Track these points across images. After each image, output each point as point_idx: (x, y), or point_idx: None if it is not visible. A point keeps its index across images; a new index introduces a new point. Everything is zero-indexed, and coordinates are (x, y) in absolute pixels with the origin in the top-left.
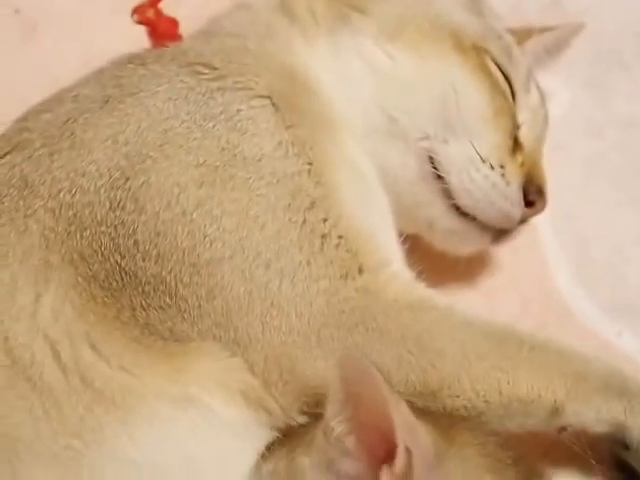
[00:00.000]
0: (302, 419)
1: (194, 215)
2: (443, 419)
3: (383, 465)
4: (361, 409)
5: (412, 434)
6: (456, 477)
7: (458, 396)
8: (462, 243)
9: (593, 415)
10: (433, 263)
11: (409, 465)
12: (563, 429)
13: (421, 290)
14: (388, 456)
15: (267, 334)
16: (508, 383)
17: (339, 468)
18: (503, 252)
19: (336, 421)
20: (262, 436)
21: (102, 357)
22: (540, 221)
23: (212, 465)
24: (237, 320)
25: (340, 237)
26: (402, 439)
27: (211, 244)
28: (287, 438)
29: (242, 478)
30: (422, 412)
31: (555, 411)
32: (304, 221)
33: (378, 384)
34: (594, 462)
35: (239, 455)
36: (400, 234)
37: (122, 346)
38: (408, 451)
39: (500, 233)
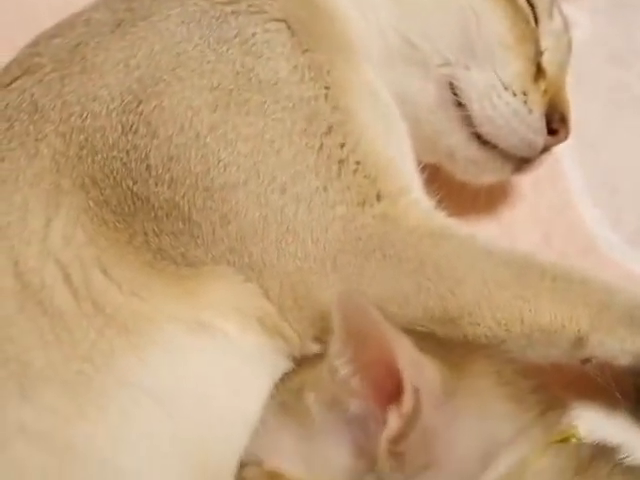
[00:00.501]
0: (317, 347)
1: (208, 139)
2: (457, 348)
3: (390, 405)
4: (364, 349)
5: (418, 371)
6: (468, 410)
7: (479, 324)
8: (483, 172)
9: (617, 346)
10: (452, 194)
11: (416, 403)
12: (587, 360)
13: (441, 218)
14: (395, 394)
15: (282, 260)
16: (530, 312)
17: (346, 407)
18: (524, 183)
19: (340, 362)
20: (278, 365)
21: (114, 282)
22: (563, 151)
23: (226, 393)
24: (252, 245)
25: (358, 163)
26: (408, 377)
27: (225, 168)
28: (299, 371)
29: (257, 408)
30: (431, 342)
31: (579, 341)
32: (321, 146)
33: (379, 322)
34: (618, 395)
35: (254, 384)
36: (419, 163)
37: (134, 271)
38: (415, 389)
39: (522, 162)
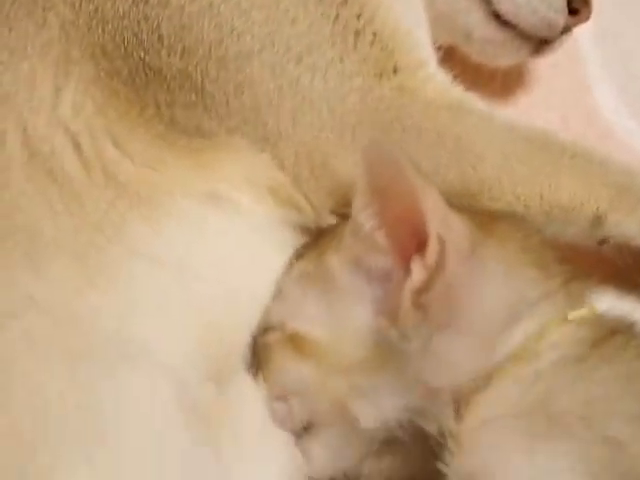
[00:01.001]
0: (332, 219)
1: (221, 8)
2: (483, 214)
3: (414, 255)
4: (389, 200)
5: (445, 222)
6: (494, 268)
7: (498, 199)
8: (500, 54)
9: (635, 227)
10: (468, 76)
11: (442, 254)
12: (604, 241)
13: (459, 92)
14: (420, 249)
15: (298, 130)
16: (549, 188)
17: (369, 265)
18: (542, 66)
19: (364, 215)
20: (292, 238)
21: (125, 153)
22: (582, 35)
23: (239, 265)
24: (266, 116)
25: (374, 34)
26: (434, 227)
27: (239, 37)
28: (317, 241)
29: (269, 281)
30: (458, 207)
31: (597, 220)
32: (337, 16)
33: (406, 171)
34: (637, 277)
35: (268, 256)
36: (434, 44)
37: (145, 143)
38: (440, 239)
39: (540, 44)
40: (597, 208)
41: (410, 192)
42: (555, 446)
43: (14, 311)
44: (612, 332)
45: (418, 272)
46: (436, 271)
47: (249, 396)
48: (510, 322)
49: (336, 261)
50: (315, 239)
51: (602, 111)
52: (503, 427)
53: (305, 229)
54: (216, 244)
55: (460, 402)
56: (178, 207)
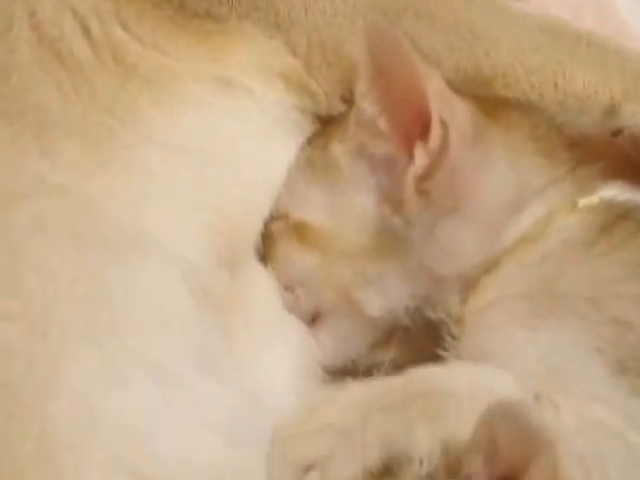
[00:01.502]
0: (343, 107)
1: None
2: (491, 101)
3: (417, 141)
4: (392, 84)
5: (448, 107)
6: (499, 155)
7: (512, 86)
8: None
9: None
10: None
11: (445, 139)
12: (618, 132)
13: None
14: (423, 135)
15: (310, 16)
16: (564, 76)
17: (372, 152)
18: None
19: (367, 101)
20: (305, 125)
21: (134, 36)
22: None
23: (251, 152)
24: (278, 3)
25: None
26: (437, 111)
27: None
28: (325, 129)
29: (281, 170)
30: (466, 94)
31: (611, 109)
32: None
33: (409, 55)
34: None
35: (280, 144)
36: None
37: (155, 26)
38: (443, 124)
39: None
40: (611, 97)
41: (413, 76)
42: (560, 325)
43: (25, 194)
44: (622, 218)
45: (421, 157)
46: (439, 156)
47: (261, 283)
48: (515, 208)
49: (340, 149)
50: (324, 127)
51: (617, 11)
52: (506, 307)
53: (317, 117)
54: (228, 131)
55: (467, 288)
56: (190, 93)
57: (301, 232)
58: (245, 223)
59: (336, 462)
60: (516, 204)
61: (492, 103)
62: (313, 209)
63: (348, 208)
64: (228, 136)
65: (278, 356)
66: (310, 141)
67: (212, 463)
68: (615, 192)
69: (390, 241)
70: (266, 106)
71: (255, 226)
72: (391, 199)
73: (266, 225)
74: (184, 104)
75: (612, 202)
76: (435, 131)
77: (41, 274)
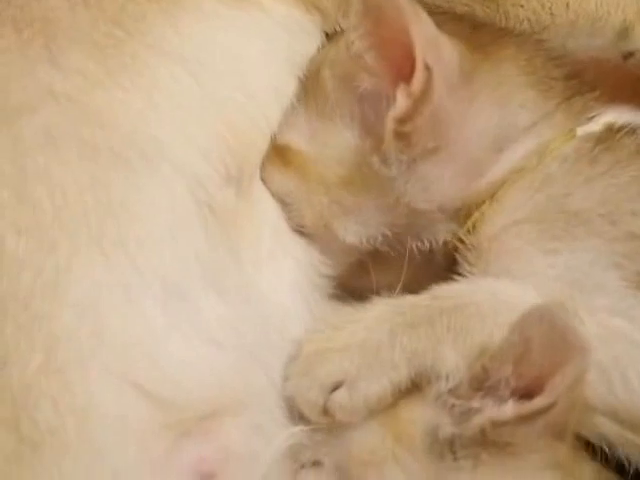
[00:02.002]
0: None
1: None
2: (490, 31)
3: (400, 83)
4: (381, 22)
5: (434, 49)
6: (485, 96)
7: (522, 5)
8: None
9: None
10: None
11: (428, 84)
12: (630, 54)
13: None
14: (409, 75)
15: None
16: None
17: (358, 84)
18: None
19: (356, 35)
20: (313, 40)
21: None
22: None
23: (261, 68)
24: None
25: None
26: (421, 54)
27: None
28: (323, 50)
29: (291, 84)
30: (462, 23)
31: (624, 32)
32: None
33: None
34: None
35: (289, 59)
36: None
37: None
38: (427, 67)
39: None
40: (624, 19)
41: (400, 17)
42: (576, 244)
43: (33, 104)
44: (625, 137)
45: (402, 100)
46: (420, 101)
47: (268, 200)
48: (503, 145)
49: (329, 74)
50: (322, 49)
51: None
52: (520, 232)
53: (325, 34)
54: (236, 43)
55: (457, 217)
56: (199, 3)
57: (285, 155)
58: (253, 139)
59: (364, 380)
60: (503, 141)
61: (488, 36)
62: (298, 134)
63: (330, 137)
64: (236, 49)
65: (284, 273)
66: (310, 62)
67: (215, 377)
68: (615, 116)
69: (368, 176)
70: (275, 19)
71: (262, 142)
72: (372, 135)
73: None
74: (193, 15)
75: (613, 126)
76: (418, 75)
77: (50, 185)
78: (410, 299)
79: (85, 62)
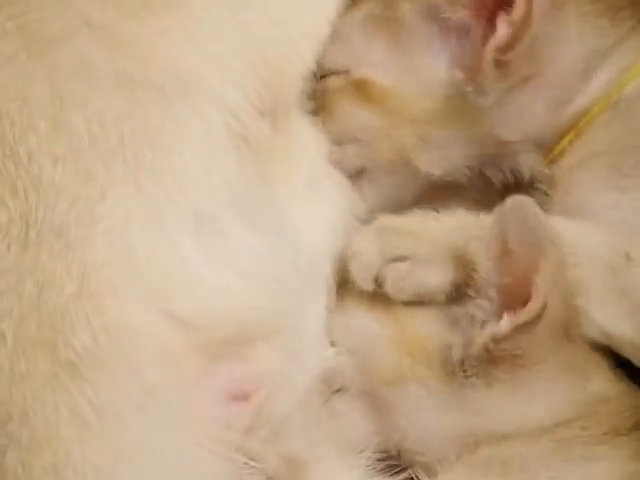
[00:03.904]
0: None
1: None
2: None
3: (499, 12)
4: None
5: None
6: (571, 22)
7: None
8: None
9: None
10: None
11: (528, 11)
12: None
13: None
14: (504, 5)
15: None
16: None
17: (446, 16)
18: None
19: None
20: None
21: None
22: None
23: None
24: None
25: None
26: None
27: None
28: None
29: (325, 19)
30: None
31: None
32: None
33: None
34: None
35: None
36: None
37: None
38: None
39: None
40: None
41: None
42: None
43: (70, 34)
44: None
45: (503, 28)
46: (521, 28)
47: (303, 136)
48: (586, 74)
49: (409, 8)
50: None
51: None
52: (592, 167)
53: None
54: None
55: (541, 149)
56: None
57: (363, 89)
58: (287, 72)
59: (428, 266)
60: (586, 69)
61: None
62: (377, 66)
63: (416, 70)
64: None
65: (316, 208)
66: None
67: (245, 304)
68: None
69: (458, 107)
70: None
71: (298, 76)
72: (465, 66)
73: (319, 80)
74: None
75: None
76: (519, 3)
77: (87, 114)
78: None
79: None
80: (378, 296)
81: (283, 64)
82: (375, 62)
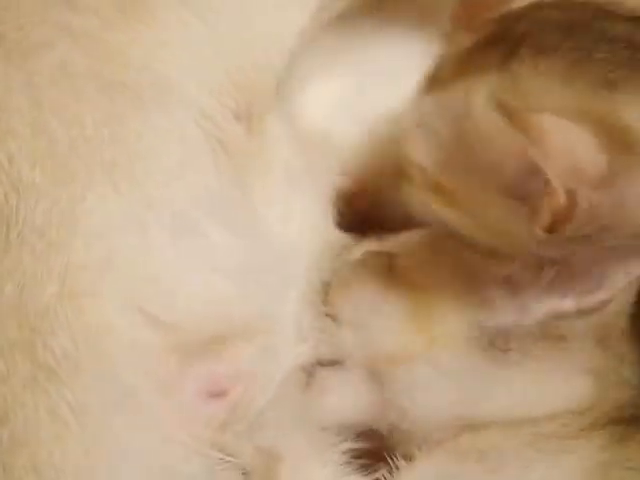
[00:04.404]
0: None
1: None
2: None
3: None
4: None
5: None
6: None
7: None
8: None
9: None
10: None
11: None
12: None
13: None
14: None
15: None
16: None
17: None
18: None
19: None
20: None
21: None
22: None
23: (267, 10)
24: None
25: None
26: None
27: None
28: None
29: (297, 26)
30: None
31: None
32: None
33: None
34: None
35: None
36: None
37: None
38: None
39: None
40: None
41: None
42: None
43: (50, 41)
44: None
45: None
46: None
47: (279, 139)
48: None
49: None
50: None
51: None
52: None
53: None
54: None
55: None
56: None
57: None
58: (260, 78)
59: None
60: None
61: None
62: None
63: None
64: None
65: (293, 209)
66: None
67: (223, 304)
68: None
69: None
70: None
71: (271, 82)
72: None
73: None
74: None
75: None
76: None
77: (66, 118)
78: None
79: (99, 3)
80: (393, 271)
81: (256, 70)
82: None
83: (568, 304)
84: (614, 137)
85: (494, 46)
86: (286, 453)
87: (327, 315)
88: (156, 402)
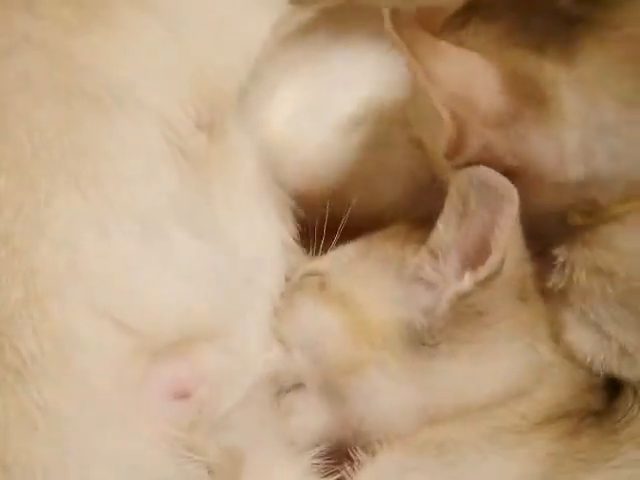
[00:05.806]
0: None
1: None
2: None
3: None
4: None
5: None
6: None
7: None
8: None
9: None
10: None
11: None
12: None
13: None
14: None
15: None
16: None
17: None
18: None
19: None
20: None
21: None
22: None
23: (231, 16)
24: None
25: None
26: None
27: None
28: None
29: (260, 36)
30: None
31: None
32: None
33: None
34: None
35: (259, 7)
36: None
37: None
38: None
39: None
40: None
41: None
42: None
43: (11, 49)
44: None
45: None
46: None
47: (242, 149)
48: None
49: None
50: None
51: None
52: None
53: None
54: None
55: None
56: None
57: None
58: (223, 87)
59: None
60: None
61: None
62: None
63: None
64: (210, 5)
65: (254, 213)
66: None
67: (187, 308)
68: None
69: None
70: None
71: (233, 92)
72: None
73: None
74: None
75: None
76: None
77: (29, 126)
78: None
79: (59, 9)
80: (326, 288)
81: (219, 80)
82: None
83: (467, 282)
84: (525, 88)
85: (456, 16)
86: (250, 454)
87: (278, 341)
88: (123, 402)
